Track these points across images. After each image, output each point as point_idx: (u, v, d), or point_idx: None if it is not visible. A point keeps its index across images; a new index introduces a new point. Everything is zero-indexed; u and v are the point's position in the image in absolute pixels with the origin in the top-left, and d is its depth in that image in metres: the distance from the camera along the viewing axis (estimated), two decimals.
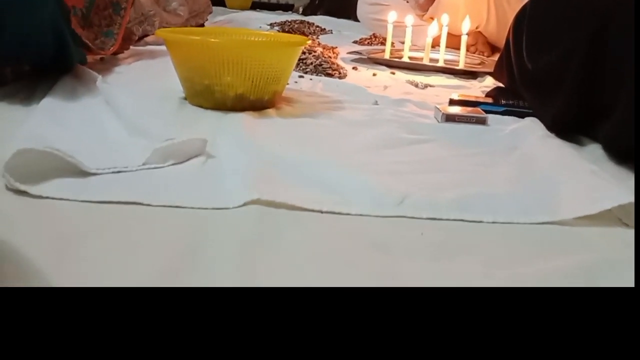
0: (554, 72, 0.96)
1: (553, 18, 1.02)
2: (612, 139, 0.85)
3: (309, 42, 1.19)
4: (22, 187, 0.61)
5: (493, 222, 0.63)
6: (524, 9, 1.13)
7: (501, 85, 1.27)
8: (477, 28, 1.92)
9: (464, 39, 1.56)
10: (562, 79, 0.94)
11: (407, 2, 2.14)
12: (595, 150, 0.89)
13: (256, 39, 1.16)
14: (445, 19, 1.65)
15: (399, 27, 1.73)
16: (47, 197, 0.61)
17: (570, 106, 0.93)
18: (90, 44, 1.14)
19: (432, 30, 1.62)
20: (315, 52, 1.53)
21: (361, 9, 2.25)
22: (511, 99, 1.13)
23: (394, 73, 1.52)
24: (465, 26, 1.56)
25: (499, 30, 1.90)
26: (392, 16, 1.66)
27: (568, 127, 0.95)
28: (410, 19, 1.64)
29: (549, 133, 0.94)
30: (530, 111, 1.07)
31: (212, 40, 1.08)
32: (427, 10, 2.06)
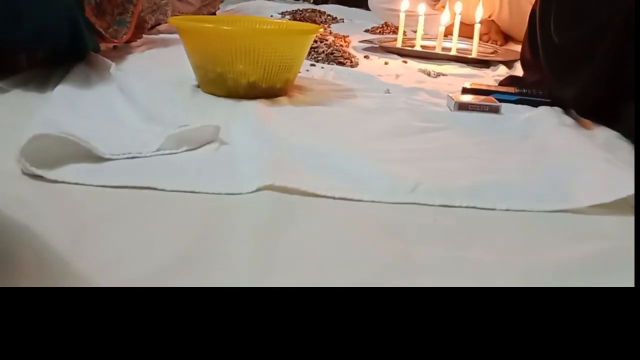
0: (584, 47, 0.94)
1: None
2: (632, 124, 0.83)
3: (321, 30, 1.19)
4: (38, 172, 0.62)
5: (507, 210, 0.62)
6: None
7: (514, 74, 1.26)
8: (490, 17, 1.90)
9: (477, 28, 1.54)
10: (592, 54, 0.92)
11: None
12: (609, 139, 0.88)
13: (268, 27, 1.16)
14: (458, 7, 1.63)
15: (411, 16, 1.72)
16: (62, 182, 0.62)
17: (597, 83, 0.91)
18: (103, 32, 1.14)
19: (445, 19, 1.60)
20: (327, 40, 1.52)
21: None
22: (525, 87, 1.12)
23: (406, 62, 1.51)
24: (478, 15, 1.55)
25: (512, 18, 1.88)
26: (404, 5, 1.65)
27: (590, 103, 0.93)
28: (422, 8, 1.63)
29: (563, 121, 0.94)
30: (545, 99, 1.06)
31: (225, 28, 1.08)
32: None
